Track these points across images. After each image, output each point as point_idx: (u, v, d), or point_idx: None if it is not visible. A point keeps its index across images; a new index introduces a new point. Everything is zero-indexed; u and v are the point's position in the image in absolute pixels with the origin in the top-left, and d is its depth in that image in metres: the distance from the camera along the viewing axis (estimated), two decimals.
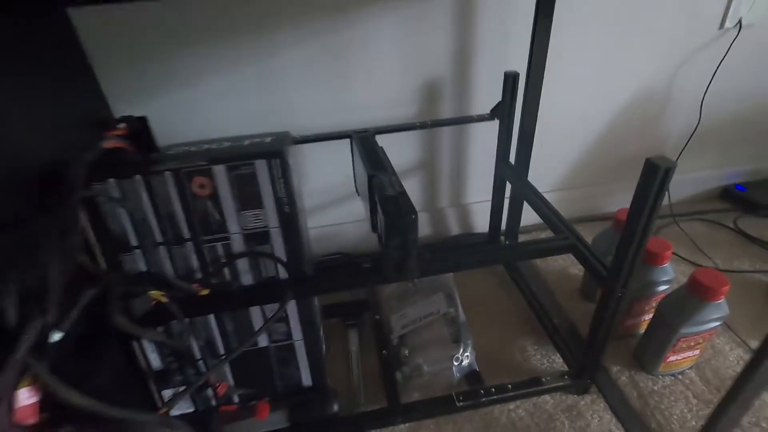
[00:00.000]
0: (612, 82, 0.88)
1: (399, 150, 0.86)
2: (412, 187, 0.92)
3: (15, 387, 0.35)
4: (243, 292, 0.53)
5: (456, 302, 0.72)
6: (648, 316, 0.68)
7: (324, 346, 0.66)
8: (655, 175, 0.43)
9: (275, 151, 0.50)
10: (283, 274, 0.55)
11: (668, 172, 0.42)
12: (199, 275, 0.53)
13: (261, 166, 0.49)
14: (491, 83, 0.82)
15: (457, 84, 0.81)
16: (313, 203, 0.89)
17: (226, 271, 0.54)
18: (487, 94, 0.83)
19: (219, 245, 0.52)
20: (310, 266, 0.59)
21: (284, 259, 0.54)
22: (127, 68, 0.68)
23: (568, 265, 0.88)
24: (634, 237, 0.47)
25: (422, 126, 0.75)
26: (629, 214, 0.47)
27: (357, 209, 0.89)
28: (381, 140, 0.67)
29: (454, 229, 0.98)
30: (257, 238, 0.53)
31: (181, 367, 0.58)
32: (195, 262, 0.53)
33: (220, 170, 0.49)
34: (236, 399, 0.62)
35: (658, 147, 0.99)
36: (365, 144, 0.67)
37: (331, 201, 0.89)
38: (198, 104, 0.73)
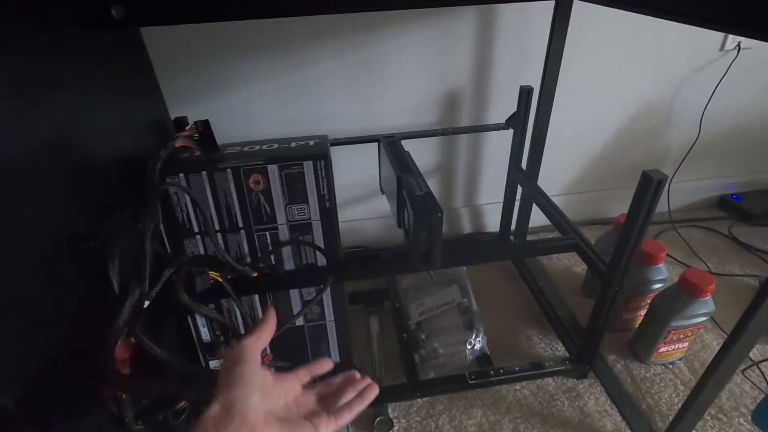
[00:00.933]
0: (618, 96, 0.95)
1: (420, 153, 0.93)
2: (430, 188, 0.99)
3: (117, 343, 0.43)
4: (287, 275, 0.61)
5: (469, 294, 0.80)
6: (643, 312, 0.75)
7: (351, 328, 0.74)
8: (649, 186, 0.50)
9: (321, 153, 0.57)
10: (321, 261, 0.62)
11: (660, 183, 0.50)
12: (249, 260, 0.61)
13: (308, 167, 0.57)
14: (507, 95, 0.89)
15: (476, 95, 0.89)
16: (339, 200, 0.96)
17: (272, 256, 0.61)
18: (502, 105, 0.90)
19: (268, 234, 0.60)
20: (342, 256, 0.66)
21: (323, 247, 0.62)
22: (183, 74, 0.76)
23: (572, 264, 0.95)
24: (630, 238, 0.55)
25: (443, 133, 0.82)
26: (627, 218, 0.54)
27: (378, 206, 0.96)
28: (405, 144, 0.75)
29: (467, 227, 1.06)
30: (301, 228, 0.60)
31: (228, 341, 0.66)
32: (246, 248, 0.60)
33: (273, 169, 0.56)
34: (273, 371, 0.70)
35: (659, 157, 1.06)
36: (393, 147, 0.74)
37: (355, 198, 0.97)
38: (244, 109, 0.81)
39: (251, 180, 0.57)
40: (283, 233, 0.60)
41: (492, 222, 1.05)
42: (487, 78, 0.87)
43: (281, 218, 0.59)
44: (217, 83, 0.79)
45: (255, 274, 0.60)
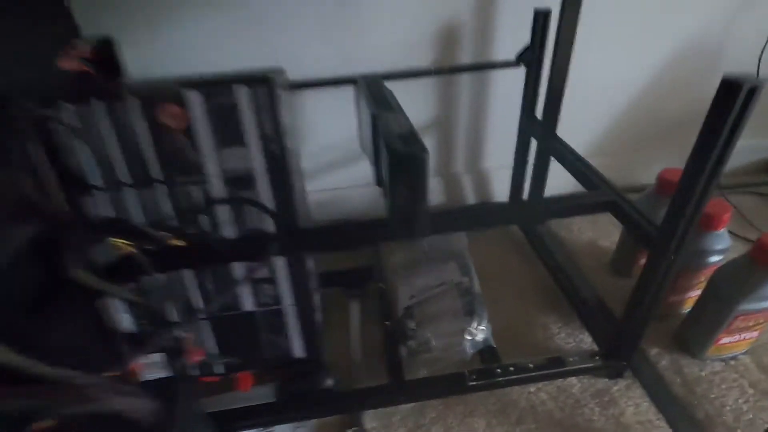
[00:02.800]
0: (656, 32, 0.77)
1: (410, 104, 0.76)
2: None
3: None
4: (221, 244, 0.46)
5: (471, 272, 0.64)
6: (695, 293, 0.59)
7: (320, 315, 0.59)
8: (733, 98, 0.33)
9: (261, 77, 0.42)
10: (272, 227, 0.47)
11: (753, 93, 0.33)
12: (172, 224, 0.46)
13: (243, 95, 0.42)
14: (518, 28, 0.72)
15: (479, 28, 0.72)
16: (316, 164, 0.81)
17: (204, 220, 0.46)
18: (511, 42, 0.73)
19: (195, 189, 0.45)
20: (306, 222, 0.51)
21: (271, 208, 0.46)
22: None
23: (597, 236, 0.79)
24: (696, 186, 0.38)
25: (438, 72, 0.66)
26: (694, 155, 0.38)
27: (364, 172, 0.81)
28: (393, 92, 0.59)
29: (471, 197, 0.89)
30: (240, 182, 0.45)
31: (161, 331, 0.52)
32: (169, 209, 0.45)
33: (194, 98, 0.41)
34: (220, 369, 0.55)
35: (703, 110, 0.87)
36: (372, 87, 0.58)
37: (334, 162, 0.81)
38: (182, 41, 0.65)
39: (165, 113, 0.41)
40: (218, 188, 0.45)
41: (501, 190, 0.88)
42: (492, 5, 0.70)
43: (212, 167, 0.44)
44: (151, 11, 0.63)
45: (179, 243, 0.45)
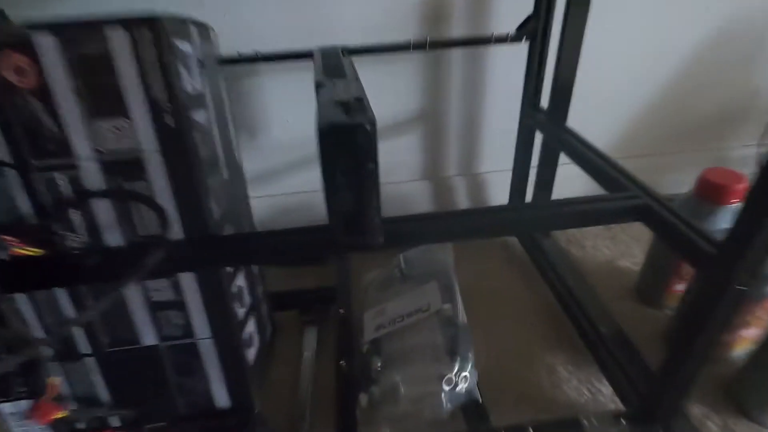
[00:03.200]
0: (683, 11, 0.64)
1: (389, 92, 0.64)
2: (409, 149, 0.70)
3: None
4: (92, 256, 0.33)
5: (455, 296, 0.50)
6: (752, 332, 0.44)
7: (256, 349, 0.46)
8: None
9: (145, 17, 0.29)
10: (175, 233, 0.34)
11: None
12: (26, 226, 0.33)
13: (119, 42, 0.29)
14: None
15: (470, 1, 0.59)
16: (281, 162, 0.68)
17: (74, 221, 0.34)
18: (511, 16, 0.60)
19: (60, 177, 0.32)
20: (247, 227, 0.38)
21: (167, 205, 0.33)
22: None
23: (616, 255, 0.65)
24: None
25: (417, 46, 0.53)
26: None
27: None
28: (362, 75, 0.46)
29: (464, 203, 0.76)
30: (125, 169, 0.33)
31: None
32: (23, 204, 0.33)
33: (47, 44, 0.29)
34: (115, 422, 0.42)
35: (742, 108, 0.74)
36: (330, 60, 0.46)
37: (297, 162, 0.68)
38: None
39: (7, 65, 0.29)
40: (92, 176, 0.33)
41: (499, 195, 0.75)
42: None
43: (81, 147, 0.32)
44: None
45: (36, 252, 0.32)
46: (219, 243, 0.35)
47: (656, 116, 0.73)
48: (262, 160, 0.67)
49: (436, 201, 0.75)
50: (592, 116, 0.70)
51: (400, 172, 0.72)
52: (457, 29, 0.61)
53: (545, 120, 0.56)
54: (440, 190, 0.75)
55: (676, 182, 0.76)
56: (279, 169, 0.68)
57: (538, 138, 0.60)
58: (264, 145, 0.66)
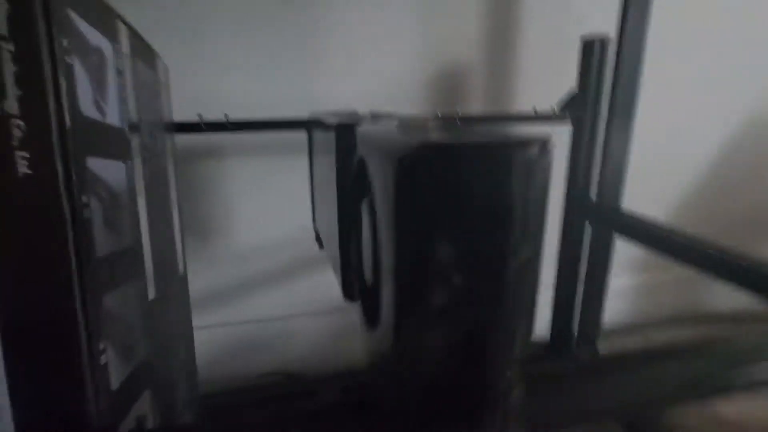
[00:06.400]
0: (746, 75, 0.59)
1: None
2: None
3: None
4: None
5: None
6: None
7: None
8: None
9: None
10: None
11: None
12: None
13: None
14: (543, 73, 0.52)
15: (493, 76, 0.51)
16: (244, 277, 0.50)
17: None
18: (537, 91, 0.52)
19: None
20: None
21: None
22: None
23: None
24: None
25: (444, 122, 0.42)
26: None
27: (318, 290, 0.51)
28: None
29: None
30: None
31: None
32: None
33: None
34: None
35: None
36: (344, 137, 0.34)
37: (274, 275, 0.51)
38: None
39: None
40: None
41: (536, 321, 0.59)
42: (512, 47, 0.51)
43: None
44: None
45: None
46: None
47: (715, 199, 0.63)
48: (217, 275, 0.49)
49: None
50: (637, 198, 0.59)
51: None
52: (475, 108, 0.52)
53: (597, 211, 0.44)
54: None
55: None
56: (240, 287, 0.51)
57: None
58: (222, 254, 0.49)
